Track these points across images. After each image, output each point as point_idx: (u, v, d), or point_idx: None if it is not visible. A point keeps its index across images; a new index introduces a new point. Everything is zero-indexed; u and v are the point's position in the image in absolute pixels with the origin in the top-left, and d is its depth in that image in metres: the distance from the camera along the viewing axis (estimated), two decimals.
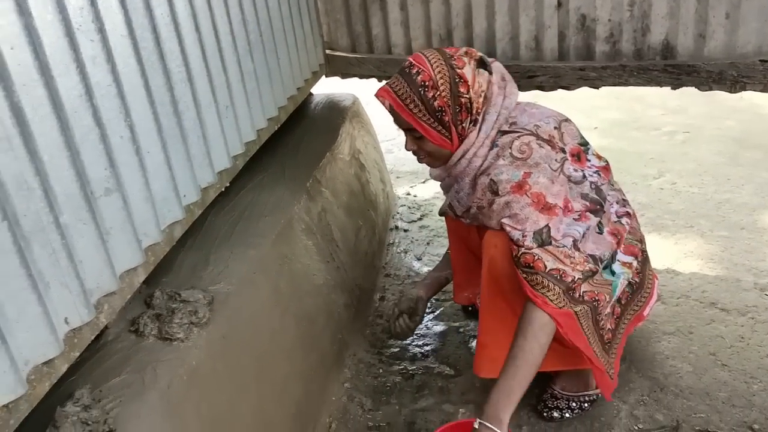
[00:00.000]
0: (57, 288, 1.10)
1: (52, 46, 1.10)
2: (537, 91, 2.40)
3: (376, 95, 1.64)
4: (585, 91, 2.32)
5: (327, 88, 2.89)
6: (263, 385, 1.54)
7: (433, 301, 2.33)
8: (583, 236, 1.54)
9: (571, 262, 1.49)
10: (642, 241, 1.73)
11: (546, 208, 1.50)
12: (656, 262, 2.36)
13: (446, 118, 1.58)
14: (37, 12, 1.07)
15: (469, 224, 1.78)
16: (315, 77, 2.58)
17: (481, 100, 1.59)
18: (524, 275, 1.49)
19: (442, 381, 1.96)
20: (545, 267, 1.47)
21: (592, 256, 1.53)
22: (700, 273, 2.32)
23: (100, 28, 1.23)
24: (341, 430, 1.80)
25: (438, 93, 1.56)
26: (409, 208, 3.01)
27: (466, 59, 1.59)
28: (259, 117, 2.00)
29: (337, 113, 2.62)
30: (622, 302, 1.64)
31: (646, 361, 1.95)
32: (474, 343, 2.08)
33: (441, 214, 1.90)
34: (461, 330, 2.17)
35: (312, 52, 2.50)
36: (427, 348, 2.11)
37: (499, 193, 1.54)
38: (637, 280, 1.66)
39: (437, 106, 1.57)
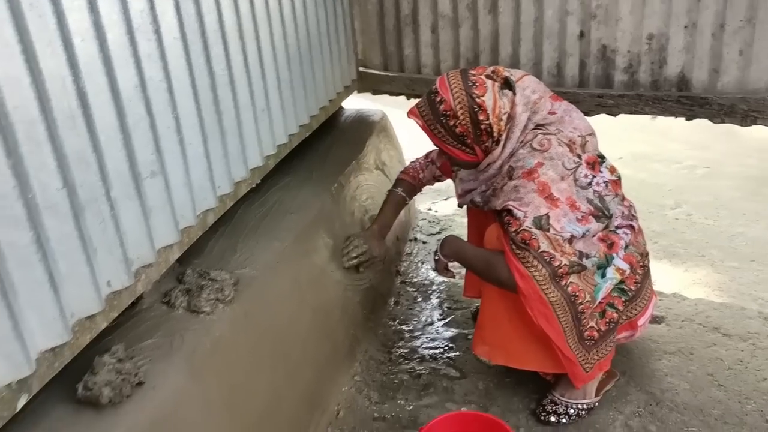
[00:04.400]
0: (103, 253, 1.24)
1: (115, 41, 1.26)
2: None
3: (408, 115, 1.77)
4: (610, 122, 2.41)
5: (358, 103, 3.04)
6: (278, 365, 1.67)
7: (445, 309, 2.44)
8: (582, 236, 1.64)
9: (561, 251, 1.61)
10: (644, 255, 1.82)
11: (549, 198, 1.62)
12: (664, 286, 2.45)
13: (468, 141, 1.70)
14: (104, 11, 1.23)
15: (484, 208, 1.85)
16: (347, 91, 2.74)
17: (503, 122, 1.67)
18: (516, 250, 1.61)
19: (447, 382, 2.06)
20: (538, 247, 1.59)
21: (579, 251, 1.64)
22: (707, 299, 2.39)
23: (156, 30, 1.39)
24: (348, 418, 1.91)
25: (458, 121, 1.66)
26: (429, 222, 3.13)
27: (489, 83, 1.66)
28: (291, 122, 2.15)
29: (366, 126, 2.76)
30: (619, 308, 1.73)
31: (645, 376, 2.01)
32: None
33: (460, 205, 2.01)
34: (469, 337, 2.26)
35: (345, 67, 2.66)
36: (436, 351, 2.21)
37: (513, 177, 1.67)
38: (633, 288, 1.76)
39: (459, 132, 1.68)
